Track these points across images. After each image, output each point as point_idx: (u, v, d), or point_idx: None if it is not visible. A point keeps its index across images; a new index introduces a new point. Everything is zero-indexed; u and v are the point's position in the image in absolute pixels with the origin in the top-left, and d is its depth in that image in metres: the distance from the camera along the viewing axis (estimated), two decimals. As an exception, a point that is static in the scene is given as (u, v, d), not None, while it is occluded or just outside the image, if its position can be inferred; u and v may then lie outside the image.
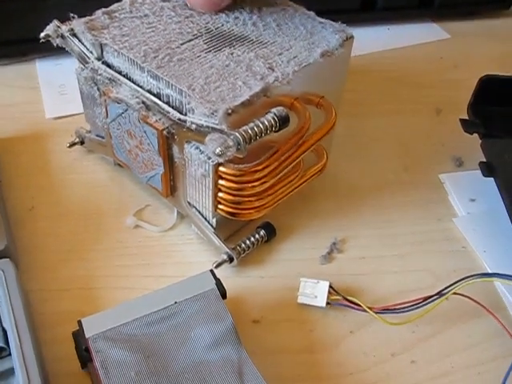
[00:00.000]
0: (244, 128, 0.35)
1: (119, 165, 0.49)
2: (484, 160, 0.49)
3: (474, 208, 0.50)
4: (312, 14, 0.45)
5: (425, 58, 0.67)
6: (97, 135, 0.49)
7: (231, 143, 0.34)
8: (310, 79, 0.41)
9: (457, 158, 0.54)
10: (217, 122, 0.35)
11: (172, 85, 0.38)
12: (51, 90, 0.59)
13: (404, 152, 0.54)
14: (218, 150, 0.34)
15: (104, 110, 0.44)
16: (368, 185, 0.51)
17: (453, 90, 0.62)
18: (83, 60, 0.44)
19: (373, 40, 0.68)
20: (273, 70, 0.39)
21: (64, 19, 0.46)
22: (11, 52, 0.63)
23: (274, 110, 0.36)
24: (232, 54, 0.40)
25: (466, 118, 0.51)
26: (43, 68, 0.62)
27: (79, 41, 0.43)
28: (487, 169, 0.47)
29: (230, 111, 0.35)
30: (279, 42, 0.42)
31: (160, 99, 0.39)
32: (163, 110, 0.38)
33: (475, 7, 0.75)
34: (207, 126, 0.35)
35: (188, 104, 0.37)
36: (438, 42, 0.70)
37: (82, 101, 0.47)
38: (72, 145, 0.51)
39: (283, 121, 0.36)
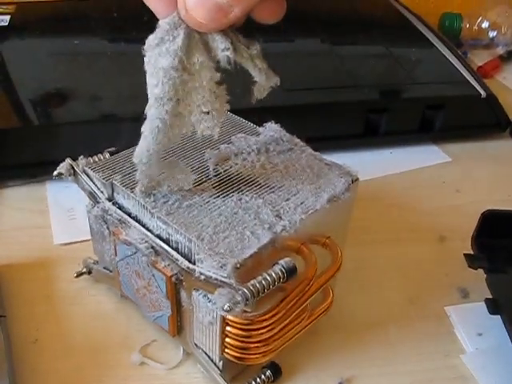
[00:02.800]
0: (252, 282, 0.35)
1: (126, 297, 0.49)
2: (490, 296, 0.49)
3: (481, 343, 0.49)
4: (318, 154, 0.47)
5: (428, 183, 0.68)
6: (104, 267, 0.49)
7: (239, 298, 0.34)
8: (317, 223, 0.42)
9: (462, 289, 0.54)
10: (225, 275, 0.35)
11: (181, 232, 0.38)
12: (60, 214, 0.60)
13: (409, 283, 0.54)
14: (226, 306, 0.34)
15: (113, 248, 0.45)
16: (374, 319, 0.51)
17: (456, 217, 0.63)
18: (94, 199, 0.45)
19: (376, 164, 0.69)
20: (280, 218, 0.39)
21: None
22: (22, 174, 0.64)
23: (281, 261, 0.37)
24: (240, 199, 0.41)
25: (470, 251, 0.52)
26: (53, 190, 0.64)
27: (90, 179, 0.45)
28: (493, 306, 0.47)
29: (238, 265, 0.35)
30: (286, 187, 0.43)
31: (169, 244, 0.40)
32: (172, 256, 0.39)
33: (473, 130, 0.77)
34: (216, 279, 0.36)
35: (197, 254, 0.37)
36: (440, 166, 0.72)
37: (92, 235, 0.48)
38: (79, 275, 0.52)
39: (291, 272, 0.37)
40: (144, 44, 0.35)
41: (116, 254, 0.45)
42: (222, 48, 0.35)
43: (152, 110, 0.36)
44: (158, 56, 0.35)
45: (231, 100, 0.65)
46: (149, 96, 0.36)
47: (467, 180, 0.70)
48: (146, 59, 0.35)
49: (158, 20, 0.35)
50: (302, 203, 0.41)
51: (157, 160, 0.39)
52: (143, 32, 0.77)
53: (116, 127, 0.64)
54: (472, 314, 0.51)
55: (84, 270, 0.52)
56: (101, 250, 0.48)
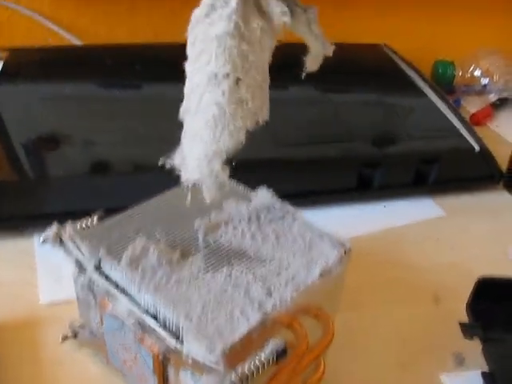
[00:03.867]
0: (241, 369, 0.34)
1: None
2: (485, 365, 0.48)
3: (477, 416, 0.48)
4: (310, 223, 0.46)
5: (422, 239, 0.68)
6: (91, 333, 0.48)
7: (228, 386, 0.33)
8: (308, 298, 0.41)
9: (457, 355, 0.53)
10: (213, 360, 0.34)
11: (169, 310, 0.37)
12: (48, 270, 0.59)
13: (402, 347, 0.53)
14: (214, 396, 0.33)
15: (99, 317, 0.43)
16: (367, 386, 0.49)
17: (451, 275, 0.62)
18: (80, 267, 0.44)
19: (369, 219, 0.69)
20: (271, 296, 0.39)
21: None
22: (10, 227, 0.63)
23: (272, 344, 0.36)
24: (230, 275, 0.40)
25: (465, 316, 0.51)
26: (41, 246, 0.62)
27: (77, 248, 0.44)
28: (490, 380, 0.46)
29: (227, 350, 0.34)
30: (277, 259, 0.42)
31: (157, 319, 0.39)
32: (160, 335, 0.38)
33: (467, 183, 0.76)
34: (203, 363, 0.35)
35: (185, 334, 0.36)
36: (434, 220, 0.71)
37: (78, 301, 0.47)
38: (65, 339, 0.50)
39: (281, 355, 0.36)
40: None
41: (102, 324, 0.43)
42: (278, 12, 0.31)
43: (205, 97, 0.31)
44: (209, 26, 0.30)
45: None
46: (194, 87, 0.31)
47: (461, 236, 0.69)
48: (190, 39, 0.31)
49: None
50: (293, 278, 0.40)
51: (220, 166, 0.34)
52: (135, 79, 0.77)
53: (109, 180, 0.63)
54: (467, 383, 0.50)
55: (70, 333, 0.50)
56: (87, 317, 0.47)
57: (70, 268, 0.47)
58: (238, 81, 0.31)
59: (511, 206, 0.76)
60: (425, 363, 0.52)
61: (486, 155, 0.75)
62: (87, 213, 0.46)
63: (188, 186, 0.39)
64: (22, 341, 0.51)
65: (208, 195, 0.37)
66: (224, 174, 0.36)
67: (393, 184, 0.72)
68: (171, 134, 0.67)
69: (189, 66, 0.32)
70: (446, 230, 0.69)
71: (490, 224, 0.72)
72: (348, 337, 0.54)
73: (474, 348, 0.50)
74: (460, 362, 0.52)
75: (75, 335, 0.51)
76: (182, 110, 0.35)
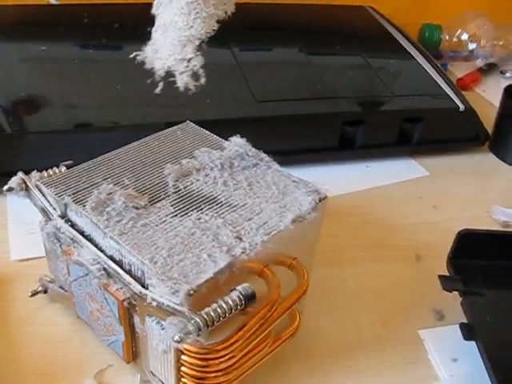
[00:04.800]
0: (206, 310, 0.33)
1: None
2: (465, 320, 0.47)
3: (456, 369, 0.47)
4: (285, 170, 0.44)
5: (404, 198, 0.66)
6: (60, 287, 0.47)
7: (191, 328, 0.32)
8: (280, 245, 0.39)
9: (437, 311, 0.52)
10: (178, 302, 0.33)
11: (134, 254, 0.36)
12: (19, 228, 0.58)
13: (382, 304, 0.52)
14: (176, 337, 0.31)
15: (66, 267, 0.42)
16: (343, 344, 0.48)
17: (433, 234, 0.61)
18: (46, 215, 0.42)
19: (351, 179, 0.67)
20: (240, 240, 0.37)
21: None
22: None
23: (239, 287, 0.35)
24: (199, 219, 0.39)
25: (446, 273, 0.50)
26: (14, 203, 0.61)
27: (43, 195, 0.42)
28: (468, 332, 0.45)
29: (191, 292, 0.33)
30: (249, 205, 0.41)
31: (122, 267, 0.37)
32: (124, 280, 0.36)
33: (452, 144, 0.75)
34: (168, 305, 0.33)
35: (149, 278, 0.35)
36: (417, 180, 0.70)
37: (46, 253, 0.45)
38: (34, 294, 0.49)
39: (249, 299, 0.35)
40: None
41: (69, 274, 0.42)
42: None
43: None
44: None
45: (203, 111, 0.64)
46: None
47: (445, 195, 0.68)
48: None
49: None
50: (264, 223, 0.39)
51: None
52: (114, 39, 0.75)
53: (85, 138, 0.62)
54: (447, 338, 0.49)
55: (40, 288, 0.49)
56: (55, 269, 0.45)
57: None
58: None
59: (496, 167, 0.75)
60: (404, 320, 0.51)
61: (471, 115, 0.73)
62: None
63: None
64: (-9, 298, 0.50)
65: (181, 82, 0.40)
66: (197, 60, 0.40)
67: (376, 143, 0.71)
68: (149, 93, 0.66)
69: None
70: (429, 190, 0.68)
71: (475, 184, 0.71)
72: (325, 293, 0.53)
73: (454, 304, 0.49)
74: (440, 317, 0.52)
75: (45, 291, 0.49)
76: (155, 3, 0.39)
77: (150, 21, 0.79)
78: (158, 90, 0.42)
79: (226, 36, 0.77)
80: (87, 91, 0.66)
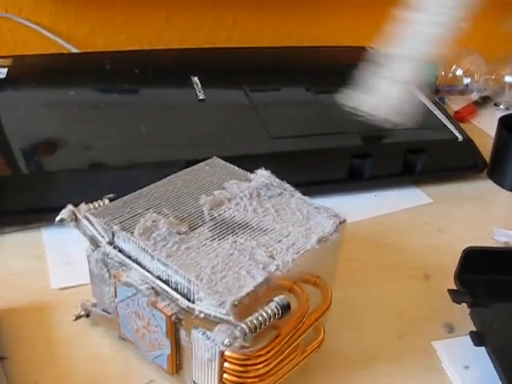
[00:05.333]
0: (250, 318, 0.37)
1: (124, 338, 0.51)
2: (474, 329, 0.51)
3: (468, 376, 0.51)
4: (307, 198, 0.49)
5: (411, 224, 0.71)
6: (103, 310, 0.51)
7: (238, 334, 0.36)
8: (308, 263, 0.44)
9: (447, 324, 0.56)
10: (224, 312, 0.37)
11: (181, 273, 0.40)
12: (57, 258, 0.62)
13: (397, 320, 0.57)
14: (226, 341, 0.36)
15: (113, 290, 0.47)
16: (363, 356, 0.53)
17: (439, 255, 0.65)
18: (95, 243, 0.47)
19: (361, 208, 0.72)
20: (273, 259, 0.42)
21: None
22: (17, 221, 0.66)
23: (276, 299, 0.39)
24: (235, 242, 0.44)
25: (454, 287, 0.54)
26: (49, 236, 0.65)
27: (92, 225, 0.47)
28: (478, 338, 0.49)
29: (236, 303, 0.37)
30: (278, 229, 0.45)
31: (169, 285, 0.42)
32: (172, 296, 0.41)
33: (453, 172, 0.80)
34: (215, 316, 0.38)
35: (196, 293, 0.39)
36: (422, 207, 0.75)
37: (91, 279, 0.50)
38: (77, 318, 0.53)
39: (285, 309, 0.39)
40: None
41: (116, 296, 0.46)
42: None
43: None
44: None
45: (222, 148, 0.69)
46: None
47: (448, 220, 0.73)
48: None
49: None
50: (293, 244, 0.44)
51: None
52: (134, 83, 0.81)
53: (105, 176, 0.66)
54: (458, 348, 0.53)
55: (82, 312, 0.53)
56: (100, 293, 0.50)
57: (78, 255, 0.49)
58: None
59: (495, 192, 0.80)
60: (418, 333, 0.55)
61: (469, 145, 0.79)
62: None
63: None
64: (36, 324, 0.54)
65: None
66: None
67: (382, 174, 0.76)
68: (168, 137, 0.71)
69: None
70: (433, 215, 0.73)
71: (476, 209, 0.76)
72: (346, 310, 0.57)
73: (462, 318, 0.53)
74: (450, 330, 0.56)
75: (88, 314, 0.53)
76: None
77: (164, 67, 0.85)
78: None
79: (239, 78, 0.83)
80: (108, 133, 0.71)
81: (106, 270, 0.47)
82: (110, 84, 0.81)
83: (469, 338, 0.51)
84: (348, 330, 0.55)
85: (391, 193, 0.77)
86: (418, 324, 0.56)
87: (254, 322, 0.37)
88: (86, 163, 0.67)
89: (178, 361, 0.45)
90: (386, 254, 0.65)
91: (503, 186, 0.80)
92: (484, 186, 0.81)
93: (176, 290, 0.42)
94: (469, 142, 0.78)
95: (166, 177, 0.53)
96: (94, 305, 0.53)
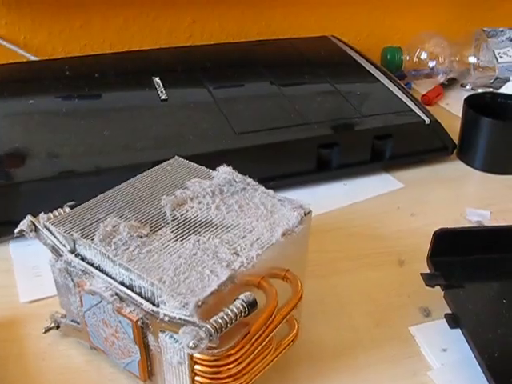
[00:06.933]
0: (215, 318, 0.36)
1: (95, 348, 0.49)
2: (449, 311, 0.51)
3: (447, 358, 0.51)
4: (271, 192, 0.49)
5: (383, 210, 0.71)
6: (72, 320, 0.50)
7: (203, 335, 0.35)
8: (274, 257, 0.43)
9: (424, 309, 0.56)
10: (188, 314, 0.36)
11: (143, 277, 0.39)
12: (25, 271, 0.61)
13: (373, 307, 0.56)
14: (191, 344, 0.35)
15: (79, 299, 0.45)
16: (342, 346, 0.52)
17: (412, 239, 0.65)
18: (57, 253, 0.46)
19: (332, 197, 0.72)
20: (238, 255, 0.41)
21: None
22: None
23: (242, 296, 0.38)
24: (198, 241, 0.43)
25: (427, 271, 0.54)
26: (16, 249, 0.64)
27: (52, 234, 0.46)
28: (453, 320, 0.49)
29: (200, 303, 0.37)
30: (242, 225, 0.45)
31: (133, 290, 0.41)
32: (136, 301, 0.40)
33: (422, 156, 0.80)
34: (179, 318, 0.37)
35: (160, 297, 0.38)
36: (394, 192, 0.75)
37: (57, 289, 0.49)
38: (47, 330, 0.52)
39: (252, 305, 0.38)
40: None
41: (82, 305, 0.45)
42: None
43: None
44: None
45: (187, 147, 0.68)
46: None
47: (420, 204, 0.72)
48: None
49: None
50: (257, 239, 0.43)
51: None
52: (95, 88, 0.80)
53: (73, 183, 0.65)
54: (435, 332, 0.53)
55: (52, 324, 0.52)
56: (67, 303, 0.48)
57: (46, 267, 0.48)
58: None
59: (465, 173, 0.80)
60: (395, 320, 0.55)
61: (437, 127, 0.78)
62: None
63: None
64: (5, 339, 0.53)
65: None
66: None
67: (351, 162, 0.75)
68: (132, 139, 0.70)
69: None
70: (405, 200, 0.73)
71: (447, 191, 0.76)
72: (320, 303, 0.56)
73: (438, 301, 0.53)
74: (427, 314, 0.55)
75: (58, 326, 0.52)
76: None
77: (124, 69, 0.83)
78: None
79: (201, 76, 0.82)
80: (72, 140, 0.70)
81: (69, 279, 0.46)
82: (71, 90, 0.80)
83: (445, 321, 0.51)
84: (324, 322, 0.54)
85: (361, 180, 0.77)
86: (394, 310, 0.56)
87: (220, 321, 0.36)
88: (51, 172, 0.65)
89: (149, 367, 0.44)
90: (359, 243, 0.65)
91: (473, 166, 0.80)
92: (454, 168, 0.81)
93: (140, 294, 0.41)
94: (436, 125, 0.78)
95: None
96: (64, 316, 0.52)
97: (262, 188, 0.49)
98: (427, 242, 0.56)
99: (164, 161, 0.55)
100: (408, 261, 0.62)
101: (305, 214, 0.46)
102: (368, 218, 0.69)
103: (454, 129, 0.82)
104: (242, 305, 0.38)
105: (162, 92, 0.78)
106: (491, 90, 0.98)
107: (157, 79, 0.80)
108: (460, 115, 0.82)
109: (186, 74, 0.85)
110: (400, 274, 0.61)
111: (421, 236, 0.61)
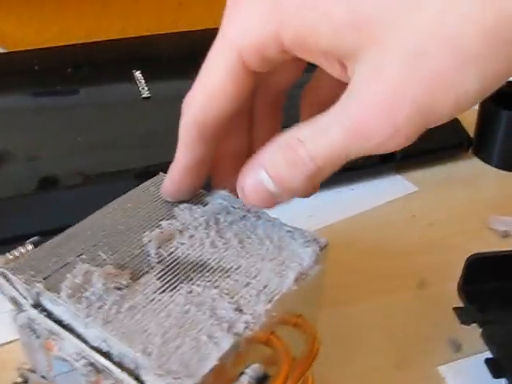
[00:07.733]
0: (216, 407, 0.28)
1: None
2: (484, 349, 0.43)
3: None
4: (277, 220, 0.40)
5: (397, 218, 0.63)
6: (42, 377, 0.42)
7: (202, 432, 0.27)
8: (284, 308, 0.35)
9: (453, 341, 0.48)
10: (181, 401, 0.28)
11: (123, 346, 0.31)
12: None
13: (393, 344, 0.48)
14: None
15: (47, 361, 0.37)
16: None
17: (433, 254, 0.57)
18: (17, 305, 0.37)
19: (337, 205, 0.63)
20: (241, 312, 0.33)
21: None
22: None
23: (248, 370, 0.30)
24: (191, 292, 0.34)
25: (453, 297, 0.46)
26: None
27: (10, 283, 0.37)
28: (497, 368, 0.41)
29: (196, 387, 0.28)
30: (244, 267, 0.36)
31: (111, 358, 0.33)
32: (115, 375, 0.32)
33: (437, 154, 0.72)
34: (170, 404, 0.29)
35: (145, 375, 0.30)
36: (407, 197, 0.67)
37: (22, 344, 0.40)
38: (14, 387, 0.44)
39: (261, 381, 0.30)
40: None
41: (51, 369, 0.37)
42: None
43: None
44: None
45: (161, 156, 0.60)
46: None
47: (437, 210, 0.64)
48: None
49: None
50: (264, 287, 0.35)
51: None
52: (68, 84, 0.71)
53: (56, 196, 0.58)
54: (469, 372, 0.46)
55: (19, 379, 0.44)
56: (34, 361, 0.40)
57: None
58: None
59: (483, 173, 0.72)
60: (420, 356, 0.48)
61: (452, 122, 0.69)
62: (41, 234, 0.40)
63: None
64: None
65: None
66: None
67: (359, 164, 0.67)
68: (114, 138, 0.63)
69: None
70: (421, 206, 0.65)
71: (465, 193, 0.68)
72: (333, 337, 0.48)
73: (469, 332, 0.46)
74: (457, 348, 0.48)
75: (26, 381, 0.44)
76: None
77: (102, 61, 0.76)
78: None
79: (189, 68, 0.73)
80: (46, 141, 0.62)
81: (34, 337, 0.37)
82: (42, 86, 0.72)
83: (479, 356, 0.44)
84: (338, 366, 0.46)
85: (370, 184, 0.68)
86: (418, 345, 0.48)
87: (223, 410, 0.28)
88: (32, 184, 0.58)
89: None
90: (373, 262, 0.57)
91: (490, 163, 0.73)
92: (471, 166, 0.73)
93: (120, 364, 0.32)
94: (452, 119, 0.69)
95: (115, 190, 0.44)
96: (32, 370, 0.43)
97: (265, 215, 0.41)
98: (450, 258, 0.50)
99: (149, 166, 0.50)
100: (430, 281, 0.55)
101: (321, 250, 0.38)
102: (380, 229, 0.61)
103: (469, 123, 0.74)
104: (250, 382, 0.30)
105: (143, 89, 0.69)
106: (511, 79, 0.90)
107: (137, 73, 0.72)
108: (476, 107, 0.74)
109: (171, 66, 0.76)
110: (422, 299, 0.53)
111: (441, 251, 0.54)
